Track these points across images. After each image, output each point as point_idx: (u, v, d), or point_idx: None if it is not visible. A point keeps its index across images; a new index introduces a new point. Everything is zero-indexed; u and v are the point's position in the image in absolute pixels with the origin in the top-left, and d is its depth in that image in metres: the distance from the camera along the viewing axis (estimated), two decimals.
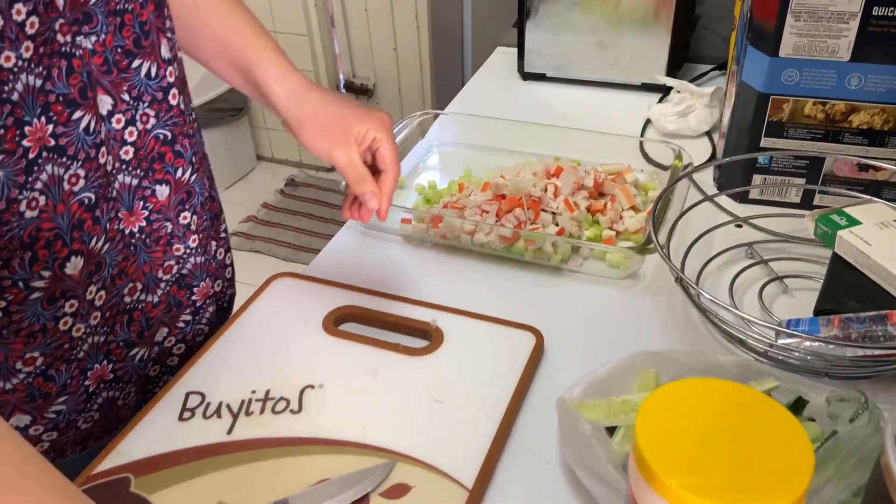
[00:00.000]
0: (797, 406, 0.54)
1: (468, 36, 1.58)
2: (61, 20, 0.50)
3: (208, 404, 0.63)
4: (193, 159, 0.65)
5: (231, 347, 0.69)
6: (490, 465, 0.57)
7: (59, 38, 0.51)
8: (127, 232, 0.61)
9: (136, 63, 0.57)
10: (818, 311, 0.67)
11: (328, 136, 0.63)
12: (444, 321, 0.71)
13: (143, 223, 0.62)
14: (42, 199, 0.53)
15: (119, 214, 0.60)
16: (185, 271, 0.68)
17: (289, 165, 2.74)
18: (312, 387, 0.64)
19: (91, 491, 0.55)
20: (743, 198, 0.88)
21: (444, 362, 0.67)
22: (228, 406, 0.63)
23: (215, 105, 2.39)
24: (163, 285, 0.66)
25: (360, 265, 0.82)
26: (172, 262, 0.66)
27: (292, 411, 0.62)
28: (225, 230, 0.76)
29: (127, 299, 0.63)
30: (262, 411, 0.62)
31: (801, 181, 0.85)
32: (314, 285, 0.76)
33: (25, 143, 0.50)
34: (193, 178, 0.65)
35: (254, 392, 0.64)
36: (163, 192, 0.63)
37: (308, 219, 2.47)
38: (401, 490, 0.55)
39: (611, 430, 0.56)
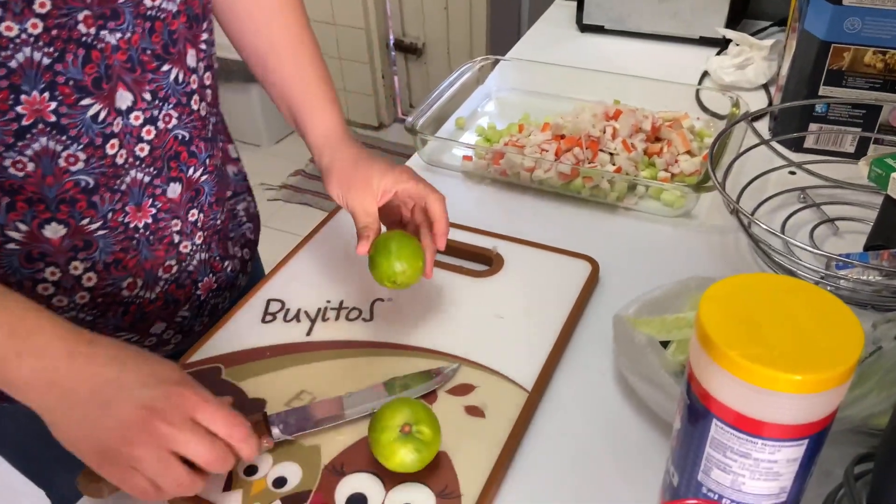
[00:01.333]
0: None
1: None
2: (87, 12, 0.53)
3: (288, 310, 0.68)
4: (207, 162, 0.68)
5: (305, 264, 0.74)
6: (548, 372, 0.62)
7: (82, 28, 0.53)
8: (132, 226, 0.62)
9: (165, 67, 0.60)
10: (868, 248, 0.69)
11: (347, 184, 0.65)
12: (503, 249, 0.75)
13: (150, 220, 0.63)
14: (31, 166, 0.55)
15: (126, 208, 0.61)
16: (190, 268, 0.69)
17: None
18: (382, 300, 0.69)
19: None
20: (798, 146, 0.89)
21: (504, 284, 0.71)
22: (306, 312, 0.68)
23: None
24: (161, 283, 0.67)
25: None
26: (173, 262, 0.67)
27: (364, 319, 0.67)
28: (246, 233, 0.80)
29: (125, 293, 0.64)
30: (336, 318, 0.67)
31: (857, 130, 0.86)
32: None
33: (20, 109, 0.52)
34: (204, 178, 0.68)
35: (328, 301, 0.69)
36: (175, 189, 0.65)
37: None
38: (465, 389, 0.60)
39: (664, 345, 0.60)
